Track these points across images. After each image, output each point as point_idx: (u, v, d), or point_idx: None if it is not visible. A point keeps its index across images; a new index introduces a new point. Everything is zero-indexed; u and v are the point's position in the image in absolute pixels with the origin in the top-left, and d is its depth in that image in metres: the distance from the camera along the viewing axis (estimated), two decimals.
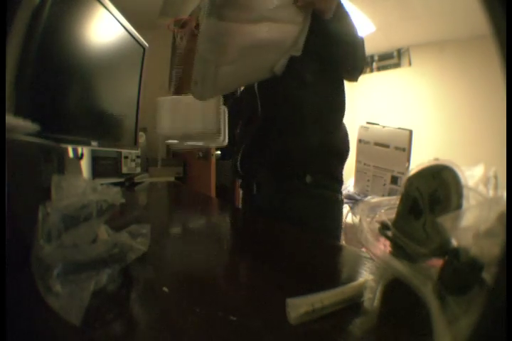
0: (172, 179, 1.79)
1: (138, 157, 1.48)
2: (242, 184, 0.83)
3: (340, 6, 0.62)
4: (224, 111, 0.72)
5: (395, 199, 0.35)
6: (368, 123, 1.98)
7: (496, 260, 0.18)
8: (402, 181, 0.33)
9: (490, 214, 0.22)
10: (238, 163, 0.76)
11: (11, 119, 0.40)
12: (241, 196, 0.87)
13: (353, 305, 0.27)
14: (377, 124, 1.95)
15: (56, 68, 0.65)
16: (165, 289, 0.30)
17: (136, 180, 1.26)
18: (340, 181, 0.74)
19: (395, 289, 0.29)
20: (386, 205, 0.36)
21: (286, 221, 0.63)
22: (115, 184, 1.08)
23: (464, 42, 2.35)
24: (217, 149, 1.90)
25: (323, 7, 0.57)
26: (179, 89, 0.76)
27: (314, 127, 0.69)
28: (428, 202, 0.29)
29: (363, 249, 0.36)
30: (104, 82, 0.88)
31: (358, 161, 1.97)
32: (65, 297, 0.25)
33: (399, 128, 1.89)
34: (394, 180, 1.86)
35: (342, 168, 0.74)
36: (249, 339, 0.23)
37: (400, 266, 0.28)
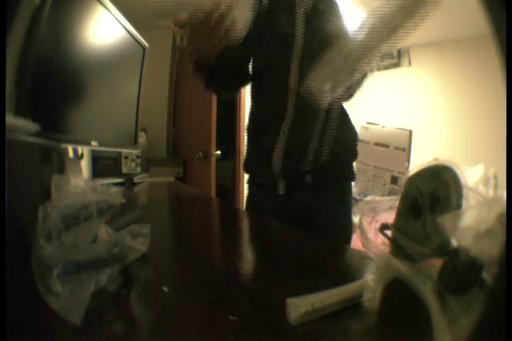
0: (172, 179, 1.79)
1: (138, 157, 1.48)
2: (258, 182, 0.81)
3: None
4: None
5: (395, 199, 0.34)
6: (368, 123, 1.98)
7: (496, 260, 0.18)
8: (402, 181, 0.33)
9: (490, 214, 0.22)
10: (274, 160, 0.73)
11: (11, 119, 0.40)
12: (252, 193, 0.84)
13: (353, 305, 0.27)
14: (377, 124, 1.95)
15: (56, 68, 0.65)
16: (165, 289, 0.30)
17: (136, 180, 1.26)
18: (354, 176, 0.82)
19: (395, 289, 0.29)
20: (386, 205, 0.36)
21: (315, 215, 0.73)
22: (115, 184, 1.08)
23: (464, 42, 2.35)
24: (217, 149, 1.90)
25: None
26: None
27: (337, 125, 0.75)
28: (428, 202, 0.29)
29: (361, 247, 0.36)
30: (104, 81, 0.88)
31: (357, 161, 1.97)
32: (65, 297, 0.25)
33: (399, 128, 1.89)
34: (394, 180, 1.86)
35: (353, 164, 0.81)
36: (249, 339, 0.23)
37: (400, 266, 0.28)
